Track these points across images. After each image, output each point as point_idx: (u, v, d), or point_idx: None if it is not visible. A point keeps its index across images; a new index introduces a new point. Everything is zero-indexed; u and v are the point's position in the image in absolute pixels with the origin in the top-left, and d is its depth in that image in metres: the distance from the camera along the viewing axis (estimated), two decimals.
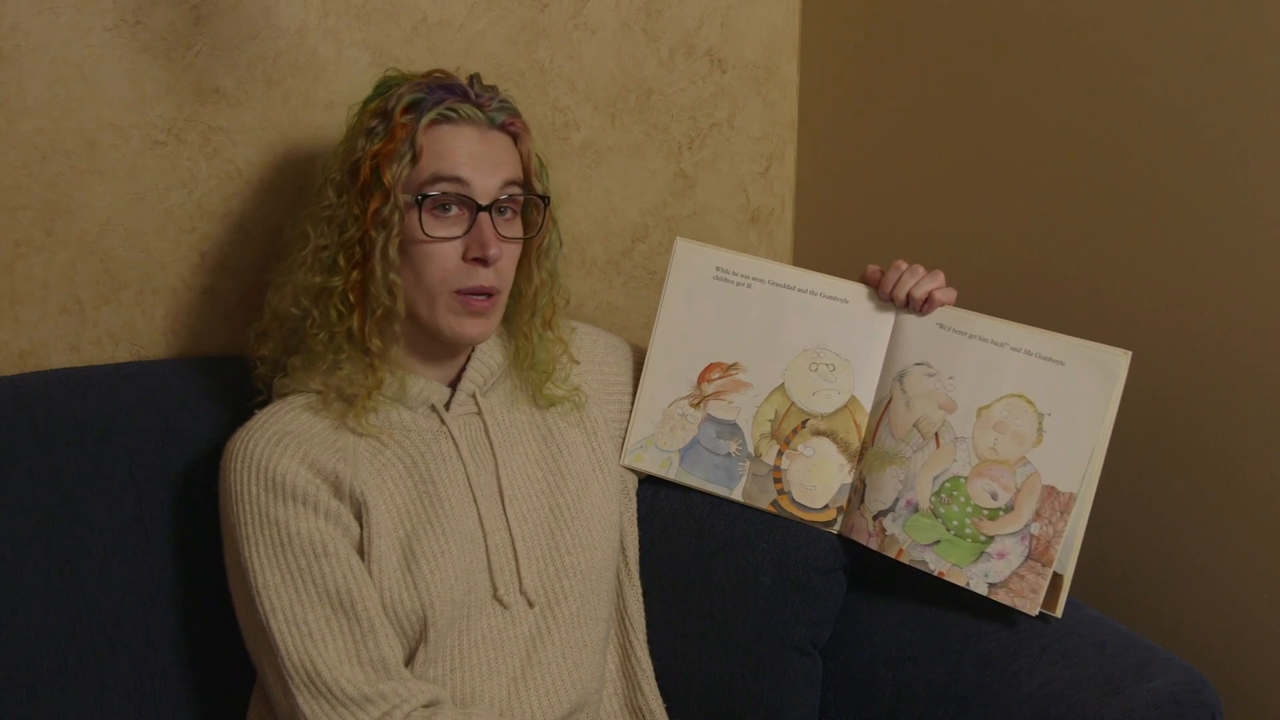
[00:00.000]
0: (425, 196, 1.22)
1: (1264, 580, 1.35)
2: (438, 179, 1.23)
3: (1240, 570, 1.37)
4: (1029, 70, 1.52)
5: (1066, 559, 1.27)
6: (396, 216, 1.22)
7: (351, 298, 1.24)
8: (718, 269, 1.44)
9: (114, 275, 1.47)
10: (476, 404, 1.33)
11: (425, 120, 1.22)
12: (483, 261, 1.23)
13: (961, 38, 1.61)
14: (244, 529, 1.20)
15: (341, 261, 1.24)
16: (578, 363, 1.40)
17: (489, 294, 1.25)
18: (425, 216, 1.22)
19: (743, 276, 1.43)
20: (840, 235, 1.86)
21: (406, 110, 1.23)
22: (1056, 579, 1.27)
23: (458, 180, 1.23)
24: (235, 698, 1.35)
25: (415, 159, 1.22)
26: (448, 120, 1.24)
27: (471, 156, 1.24)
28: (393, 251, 1.22)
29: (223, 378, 1.42)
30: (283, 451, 1.22)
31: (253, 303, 1.52)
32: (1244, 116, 1.30)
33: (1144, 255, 1.42)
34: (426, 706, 1.18)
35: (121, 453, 1.34)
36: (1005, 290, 1.55)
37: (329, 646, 1.17)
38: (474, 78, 1.29)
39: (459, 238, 1.23)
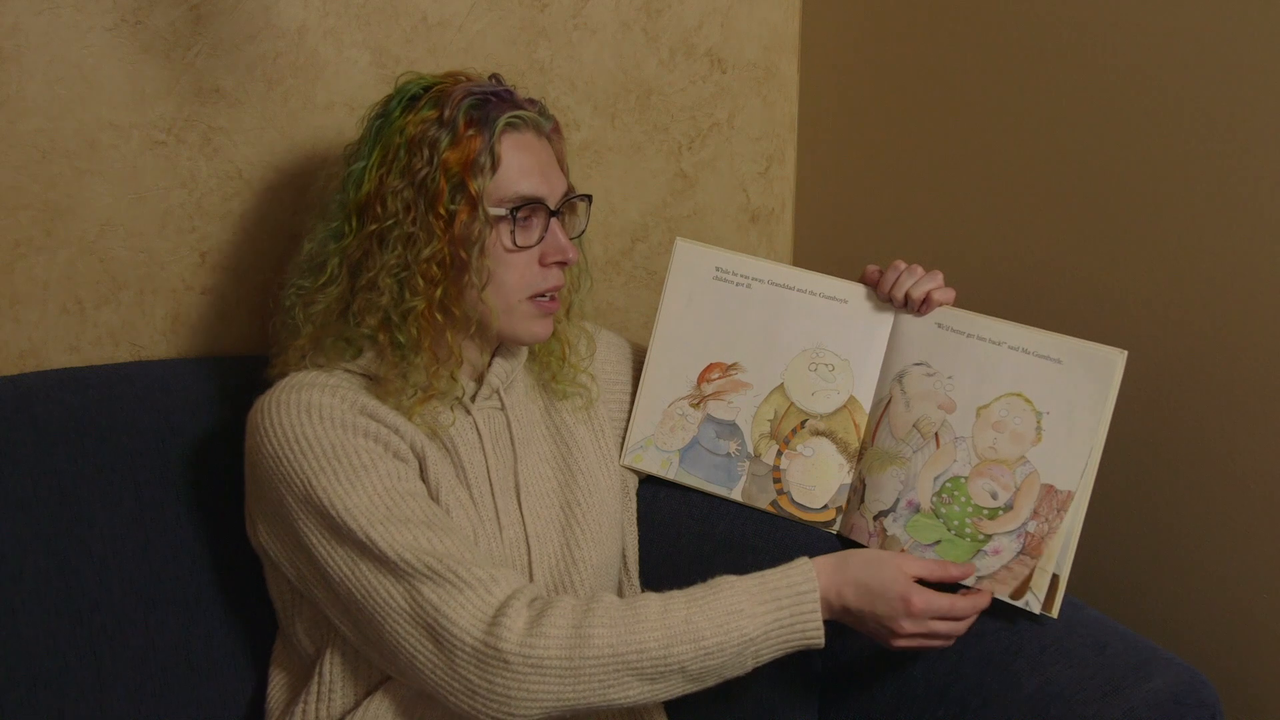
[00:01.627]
0: (516, 210, 1.23)
1: (1264, 580, 1.35)
2: (523, 193, 1.24)
3: (1240, 570, 1.37)
4: (1028, 70, 1.52)
5: (1063, 559, 1.27)
6: (488, 231, 1.23)
7: (439, 317, 1.23)
8: (717, 269, 1.44)
9: (114, 275, 1.47)
10: (500, 399, 1.33)
11: (498, 129, 1.23)
12: (563, 264, 1.27)
13: (961, 37, 1.61)
14: (310, 465, 1.16)
15: (421, 282, 1.22)
16: (594, 348, 1.42)
17: (556, 294, 1.29)
18: (515, 229, 1.24)
19: (742, 276, 1.43)
20: (840, 235, 1.86)
21: (471, 121, 1.22)
22: (1054, 579, 1.27)
23: (537, 193, 1.25)
24: (235, 697, 1.35)
25: (494, 169, 1.23)
26: (514, 128, 1.25)
27: (542, 166, 1.26)
28: (489, 265, 1.23)
29: (222, 378, 1.42)
30: (339, 401, 1.20)
31: (252, 303, 1.52)
32: (1244, 116, 1.30)
33: (1142, 254, 1.42)
34: (536, 599, 1.15)
35: (121, 453, 1.34)
36: (1004, 290, 1.55)
37: (440, 541, 1.15)
38: (495, 77, 1.30)
39: (536, 245, 1.26)
